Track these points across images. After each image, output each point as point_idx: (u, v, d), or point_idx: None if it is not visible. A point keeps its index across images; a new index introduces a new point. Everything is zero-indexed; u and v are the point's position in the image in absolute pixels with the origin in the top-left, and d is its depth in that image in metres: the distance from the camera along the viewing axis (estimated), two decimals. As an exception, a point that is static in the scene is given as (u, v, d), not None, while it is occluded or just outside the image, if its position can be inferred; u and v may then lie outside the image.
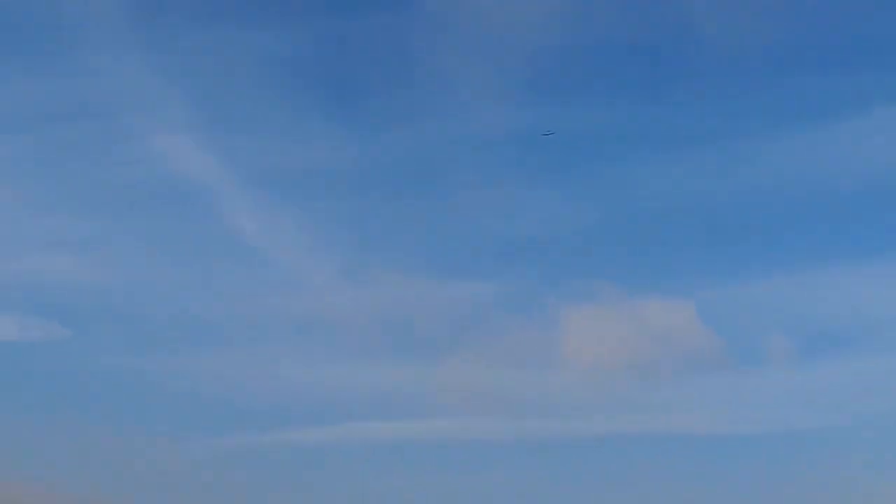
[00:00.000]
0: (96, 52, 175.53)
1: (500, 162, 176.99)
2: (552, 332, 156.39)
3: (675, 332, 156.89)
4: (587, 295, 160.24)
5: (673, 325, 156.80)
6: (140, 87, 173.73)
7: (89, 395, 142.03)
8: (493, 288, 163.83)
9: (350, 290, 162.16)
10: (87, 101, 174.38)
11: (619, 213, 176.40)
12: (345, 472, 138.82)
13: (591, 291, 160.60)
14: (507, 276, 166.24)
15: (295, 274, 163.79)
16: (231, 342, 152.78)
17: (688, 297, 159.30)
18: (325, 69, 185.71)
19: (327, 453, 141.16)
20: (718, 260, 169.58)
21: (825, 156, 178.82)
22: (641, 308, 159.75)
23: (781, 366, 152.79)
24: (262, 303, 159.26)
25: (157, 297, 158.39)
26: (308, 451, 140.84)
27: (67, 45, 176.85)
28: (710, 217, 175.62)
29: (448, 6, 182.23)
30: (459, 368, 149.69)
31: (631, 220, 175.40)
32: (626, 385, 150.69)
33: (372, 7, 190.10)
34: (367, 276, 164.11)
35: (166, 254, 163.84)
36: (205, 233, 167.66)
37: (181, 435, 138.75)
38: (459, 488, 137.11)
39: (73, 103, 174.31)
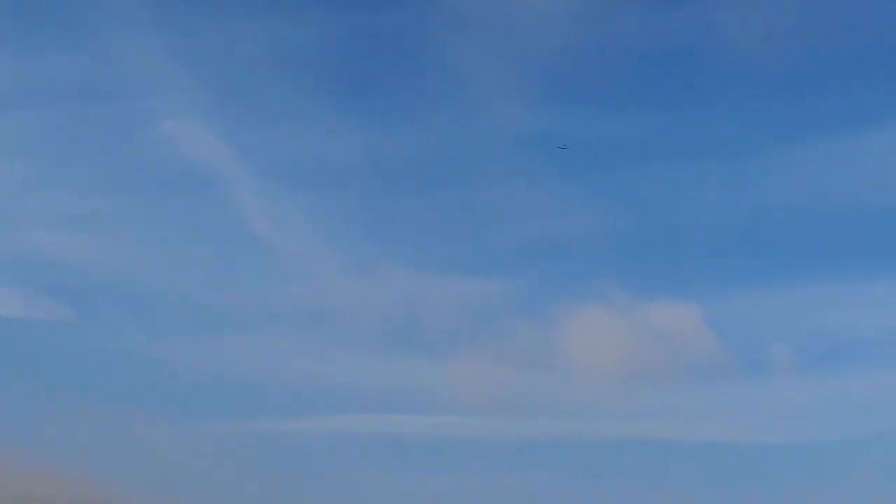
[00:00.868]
0: (115, 34, 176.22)
1: (513, 162, 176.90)
2: (559, 334, 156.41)
3: (681, 338, 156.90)
4: (596, 298, 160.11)
5: (680, 331, 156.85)
6: (156, 71, 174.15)
7: (91, 377, 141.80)
8: (501, 287, 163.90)
9: (358, 283, 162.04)
10: (102, 81, 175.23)
11: (630, 219, 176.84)
12: (345, 463, 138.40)
13: (600, 295, 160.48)
14: (517, 276, 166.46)
15: (303, 265, 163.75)
16: (237, 330, 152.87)
17: (696, 304, 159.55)
18: (342, 63, 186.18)
19: (327, 444, 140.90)
20: (727, 269, 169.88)
21: (837, 171, 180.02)
22: (649, 313, 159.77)
23: (787, 376, 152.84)
24: (269, 292, 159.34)
25: (163, 281, 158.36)
26: (308, 441, 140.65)
27: (86, 26, 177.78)
28: (721, 226, 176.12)
29: (467, 4, 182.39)
30: (465, 366, 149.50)
31: (642, 226, 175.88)
32: (630, 389, 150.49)
33: (392, 2, 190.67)
34: (376, 269, 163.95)
35: (174, 238, 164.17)
36: (214, 220, 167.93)
37: (184, 419, 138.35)
38: (461, 485, 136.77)
39: (90, 82, 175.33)
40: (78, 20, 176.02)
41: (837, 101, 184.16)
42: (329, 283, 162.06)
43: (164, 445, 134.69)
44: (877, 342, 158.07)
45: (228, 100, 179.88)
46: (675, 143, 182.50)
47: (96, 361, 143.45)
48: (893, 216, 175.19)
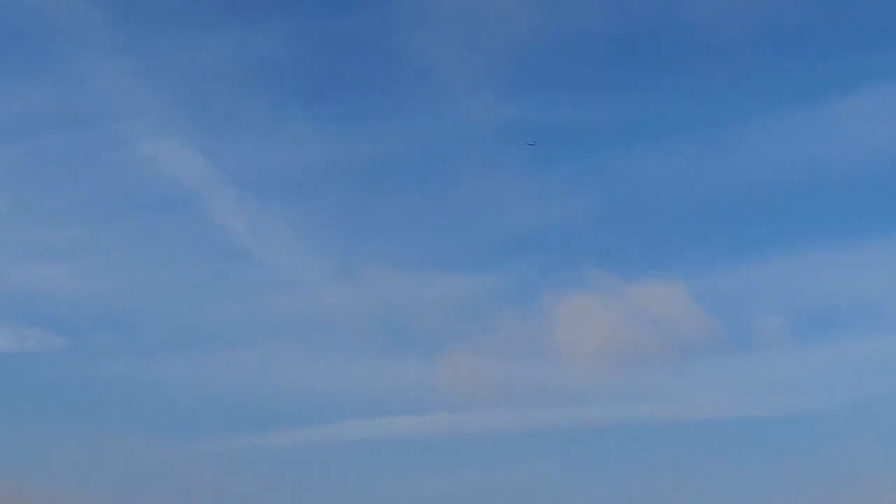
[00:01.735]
0: (81, 61, 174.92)
1: (489, 154, 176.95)
2: (548, 323, 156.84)
3: (671, 317, 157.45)
4: (582, 284, 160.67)
5: (669, 310, 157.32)
6: (127, 95, 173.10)
7: (88, 403, 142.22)
8: (487, 280, 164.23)
9: (344, 288, 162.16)
10: (72, 108, 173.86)
11: (609, 202, 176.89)
12: (345, 471, 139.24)
13: (586, 280, 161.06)
14: (501, 268, 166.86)
15: (288, 273, 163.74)
16: (227, 344, 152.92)
17: (682, 282, 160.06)
18: (309, 68, 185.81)
19: (327, 452, 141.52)
20: (712, 243, 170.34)
21: (816, 138, 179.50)
22: (637, 294, 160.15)
23: (777, 348, 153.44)
24: (256, 304, 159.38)
25: (151, 302, 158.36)
26: (308, 451, 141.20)
27: (52, 55, 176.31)
28: (702, 201, 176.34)
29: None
30: (457, 362, 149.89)
31: (622, 208, 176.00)
32: (624, 371, 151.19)
33: (351, 4, 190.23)
34: (361, 272, 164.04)
35: (159, 258, 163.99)
36: (196, 236, 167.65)
37: (180, 438, 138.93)
38: (462, 482, 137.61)
39: (61, 111, 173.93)
40: (42, 50, 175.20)
41: (810, 68, 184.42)
42: (316, 290, 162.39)
43: (164, 466, 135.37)
44: (867, 306, 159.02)
45: (200, 116, 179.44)
46: (647, 123, 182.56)
47: (92, 388, 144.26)
48: (872, 180, 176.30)
